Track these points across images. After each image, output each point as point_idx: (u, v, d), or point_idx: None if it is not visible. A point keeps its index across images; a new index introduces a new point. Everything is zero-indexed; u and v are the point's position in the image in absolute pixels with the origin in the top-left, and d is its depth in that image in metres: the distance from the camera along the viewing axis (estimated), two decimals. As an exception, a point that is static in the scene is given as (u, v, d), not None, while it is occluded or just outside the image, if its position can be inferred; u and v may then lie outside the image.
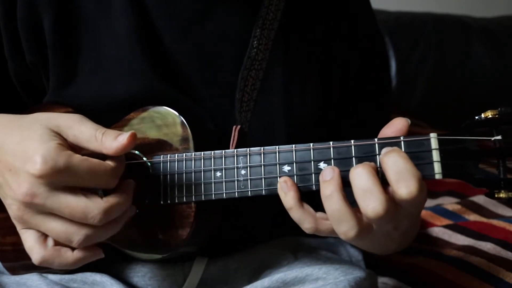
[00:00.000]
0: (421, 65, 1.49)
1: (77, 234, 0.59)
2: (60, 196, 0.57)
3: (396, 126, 0.57)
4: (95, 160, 0.58)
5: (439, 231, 1.00)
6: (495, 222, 0.98)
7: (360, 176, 0.53)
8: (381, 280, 0.90)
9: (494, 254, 0.89)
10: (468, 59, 1.49)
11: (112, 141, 0.59)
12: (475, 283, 0.84)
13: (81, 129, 0.60)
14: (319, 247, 0.87)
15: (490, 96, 1.49)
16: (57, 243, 0.61)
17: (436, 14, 1.59)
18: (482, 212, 1.06)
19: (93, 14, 0.73)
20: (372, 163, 0.55)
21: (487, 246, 0.91)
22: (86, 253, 0.63)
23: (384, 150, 0.55)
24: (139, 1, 0.72)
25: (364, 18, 0.87)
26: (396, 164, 0.52)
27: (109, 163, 0.60)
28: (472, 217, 1.05)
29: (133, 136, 0.60)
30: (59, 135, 0.60)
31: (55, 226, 0.59)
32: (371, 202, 0.52)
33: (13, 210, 0.59)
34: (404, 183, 0.52)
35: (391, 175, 0.52)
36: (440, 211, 1.07)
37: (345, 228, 0.55)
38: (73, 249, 0.62)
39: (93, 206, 0.58)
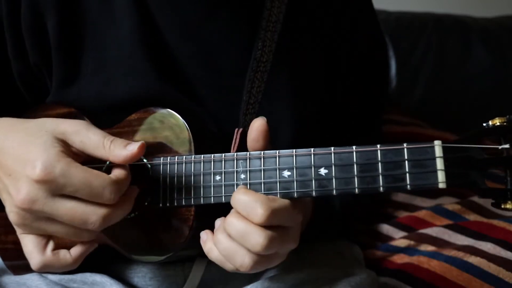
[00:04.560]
0: (421, 65, 1.48)
1: (83, 231, 0.59)
2: (58, 202, 0.57)
3: (256, 127, 0.60)
4: (95, 171, 0.57)
5: (439, 231, 1.00)
6: (495, 222, 0.98)
7: (220, 241, 0.58)
8: (381, 280, 0.90)
9: (494, 254, 0.89)
10: (468, 59, 1.49)
11: (121, 149, 0.59)
12: (475, 283, 0.84)
13: (88, 135, 0.60)
14: (320, 247, 0.87)
15: (490, 96, 1.48)
16: (56, 247, 0.61)
17: (436, 14, 1.58)
18: (482, 212, 1.06)
19: (96, 15, 0.73)
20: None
21: (487, 246, 0.91)
22: (82, 248, 0.63)
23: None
24: (142, 3, 0.73)
25: (366, 19, 0.87)
26: (239, 201, 0.57)
27: (111, 176, 0.58)
28: (472, 217, 1.05)
29: (143, 147, 0.60)
30: (63, 142, 0.60)
31: (59, 229, 0.59)
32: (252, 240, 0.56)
33: (12, 216, 0.59)
34: (253, 214, 0.55)
35: (242, 213, 0.57)
36: (440, 211, 1.07)
37: (239, 260, 0.57)
38: (69, 248, 0.63)
39: (91, 212, 0.57)
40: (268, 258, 0.59)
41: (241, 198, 0.57)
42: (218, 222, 0.60)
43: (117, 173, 0.60)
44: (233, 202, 0.58)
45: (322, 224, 0.80)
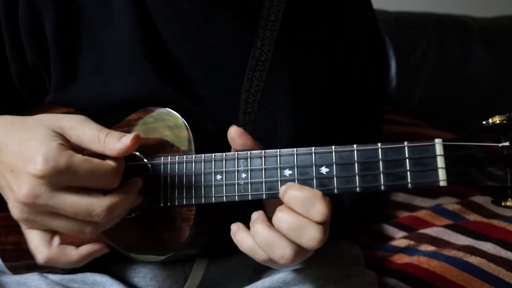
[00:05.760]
0: (421, 65, 1.49)
1: (87, 225, 0.59)
2: (62, 196, 0.57)
3: (231, 135, 0.62)
4: (96, 160, 0.58)
5: (439, 231, 1.00)
6: (495, 222, 0.98)
7: (259, 233, 0.57)
8: (381, 280, 0.90)
9: (494, 254, 0.89)
10: (468, 59, 1.49)
11: (115, 142, 0.59)
12: (475, 283, 0.84)
13: (84, 129, 0.60)
14: (320, 247, 0.87)
15: (490, 96, 1.48)
16: (62, 242, 0.61)
17: (436, 14, 1.58)
18: (482, 212, 1.06)
19: (94, 15, 0.73)
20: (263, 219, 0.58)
21: (487, 246, 0.91)
22: (90, 249, 0.63)
23: (281, 190, 0.58)
24: (140, 2, 0.73)
25: (365, 18, 0.87)
26: (295, 198, 0.56)
27: (110, 163, 0.59)
28: (472, 217, 1.05)
29: (137, 138, 0.60)
30: (61, 136, 0.60)
31: (62, 224, 0.59)
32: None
33: (16, 212, 0.59)
34: (313, 211, 0.55)
35: (298, 210, 0.55)
36: (440, 211, 1.07)
37: (279, 252, 0.56)
38: (77, 246, 0.63)
39: (96, 204, 0.58)
40: (305, 250, 0.58)
41: (298, 195, 0.56)
42: (255, 215, 0.60)
43: (113, 160, 0.61)
44: (287, 198, 0.56)
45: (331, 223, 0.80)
